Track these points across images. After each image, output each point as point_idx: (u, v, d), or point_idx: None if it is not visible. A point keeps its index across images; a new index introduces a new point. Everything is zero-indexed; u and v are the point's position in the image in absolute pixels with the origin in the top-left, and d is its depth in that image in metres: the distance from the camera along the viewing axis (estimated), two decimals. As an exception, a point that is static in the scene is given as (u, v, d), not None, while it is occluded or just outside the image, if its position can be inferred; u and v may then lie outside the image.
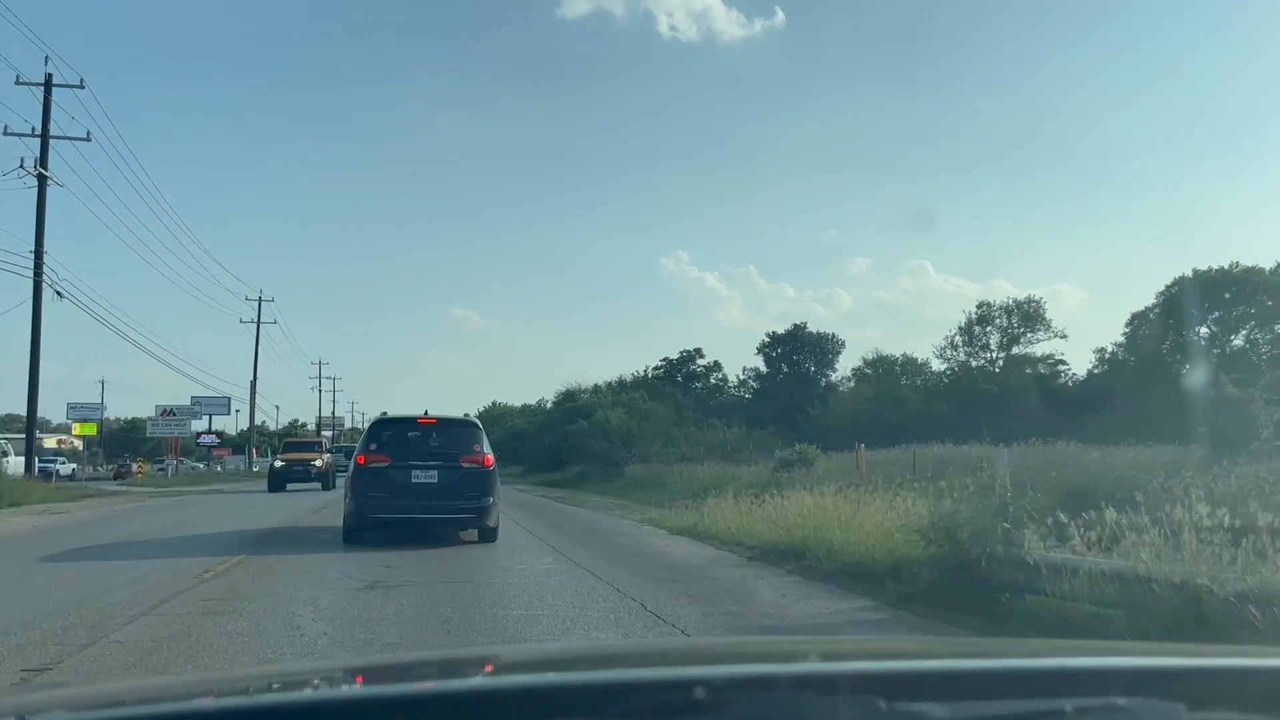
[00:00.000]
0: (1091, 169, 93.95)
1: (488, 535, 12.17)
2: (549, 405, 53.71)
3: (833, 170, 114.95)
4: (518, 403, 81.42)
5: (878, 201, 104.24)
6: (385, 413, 15.04)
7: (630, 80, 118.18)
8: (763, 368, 58.33)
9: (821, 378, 57.68)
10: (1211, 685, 1.42)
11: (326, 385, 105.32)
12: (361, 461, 12.47)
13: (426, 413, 13.76)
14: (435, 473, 12.56)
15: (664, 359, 54.21)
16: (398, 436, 13.02)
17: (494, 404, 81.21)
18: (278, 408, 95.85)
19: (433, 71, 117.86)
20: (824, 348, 59.46)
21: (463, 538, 12.10)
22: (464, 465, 12.59)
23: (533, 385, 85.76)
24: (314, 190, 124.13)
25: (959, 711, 1.29)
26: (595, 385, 47.86)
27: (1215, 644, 4.77)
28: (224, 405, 59.29)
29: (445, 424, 13.36)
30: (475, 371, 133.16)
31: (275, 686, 1.70)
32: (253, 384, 53.95)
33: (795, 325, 57.83)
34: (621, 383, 46.87)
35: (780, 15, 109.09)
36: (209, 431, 61.43)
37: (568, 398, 48.54)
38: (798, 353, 58.39)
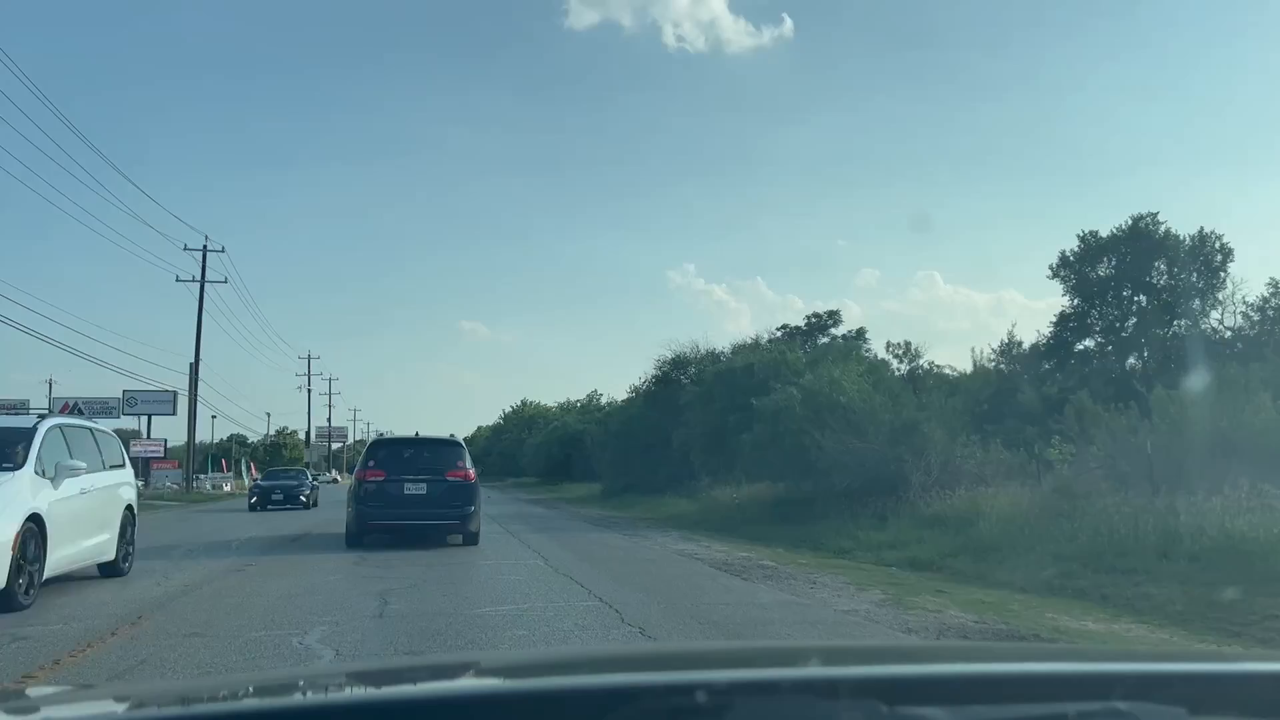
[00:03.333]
0: (1100, 177, 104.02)
1: (470, 539, 16.25)
2: (636, 388, 45.73)
3: (840, 180, 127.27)
4: (551, 402, 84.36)
5: (886, 212, 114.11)
6: (381, 434, 20.19)
7: (636, 91, 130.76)
8: (1064, 302, 34.47)
9: (1182, 317, 32.78)
10: (1213, 690, 1.51)
11: (319, 385, 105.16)
12: (362, 476, 16.57)
13: (417, 434, 18.59)
14: (425, 485, 16.46)
15: (783, 326, 41.71)
16: (392, 454, 17.20)
17: (524, 403, 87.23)
18: (268, 415, 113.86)
19: (439, 83, 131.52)
20: (1201, 257, 32.88)
21: (449, 541, 16.06)
22: (449, 479, 16.52)
23: (539, 393, 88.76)
24: (321, 204, 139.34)
25: (961, 716, 1.38)
26: (712, 350, 39.07)
27: (1217, 648, 4.75)
28: (167, 402, 52.55)
29: (433, 443, 17.83)
30: (481, 382, 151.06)
31: (273, 691, 1.82)
32: (193, 367, 48.17)
33: (1137, 218, 33.13)
34: (756, 345, 37.03)
35: (789, 23, 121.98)
36: (149, 437, 55.98)
37: (676, 367, 39.16)
38: (1142, 269, 32.99)
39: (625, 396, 49.10)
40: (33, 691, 2.50)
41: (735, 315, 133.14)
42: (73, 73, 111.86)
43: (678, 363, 39.33)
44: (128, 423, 57.53)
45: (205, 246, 47.79)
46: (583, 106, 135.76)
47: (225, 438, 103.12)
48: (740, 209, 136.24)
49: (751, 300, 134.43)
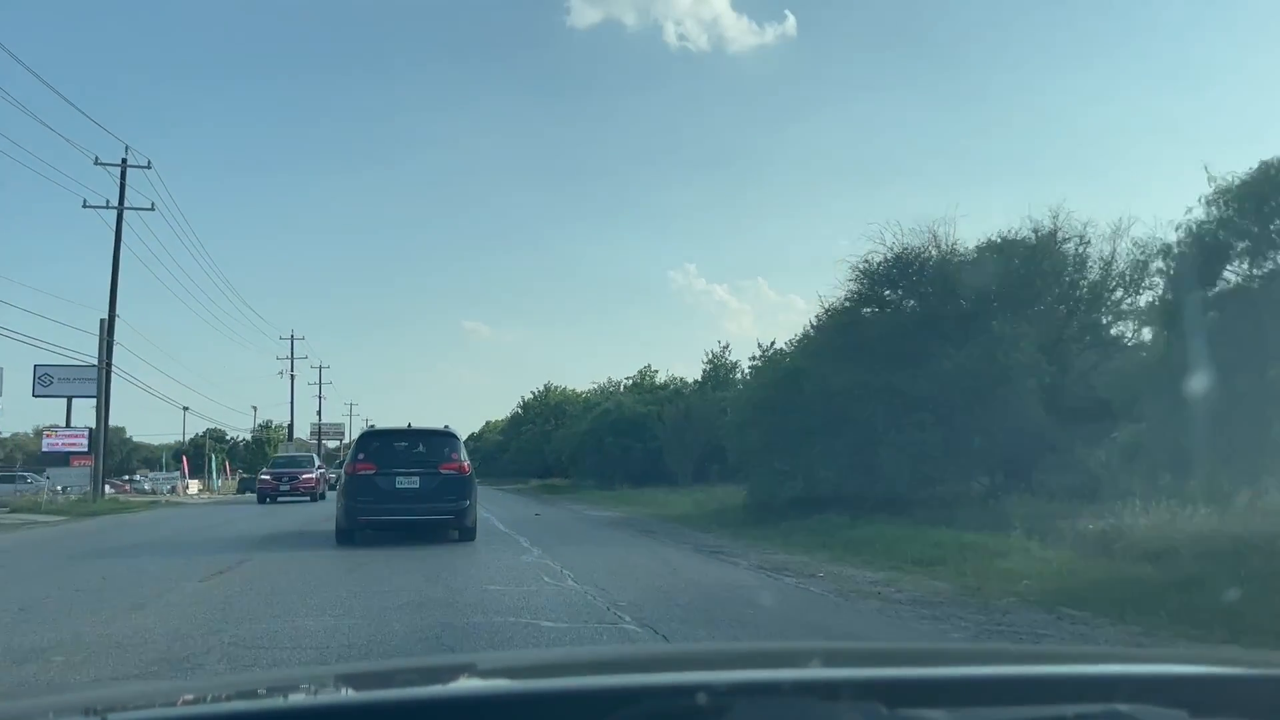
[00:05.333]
0: (1108, 179, 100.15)
1: (466, 535, 18.07)
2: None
3: (843, 180, 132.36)
4: (584, 385, 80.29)
5: (888, 212, 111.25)
6: (373, 425, 25.87)
7: (639, 90, 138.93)
8: None
9: None
10: (1213, 692, 1.63)
11: (309, 375, 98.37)
12: (351, 470, 18.31)
13: (410, 425, 19.43)
14: (417, 479, 17.78)
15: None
16: (383, 447, 18.54)
17: (549, 388, 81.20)
18: (254, 408, 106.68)
19: (438, 81, 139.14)
20: None
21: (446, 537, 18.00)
22: (443, 472, 17.96)
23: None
24: (322, 204, 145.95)
25: (962, 718, 1.51)
26: (953, 245, 22.50)
27: (1217, 650, 5.93)
28: (93, 380, 43.65)
29: (426, 435, 18.97)
30: (485, 382, 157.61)
31: (274, 693, 1.96)
32: (105, 325, 40.87)
33: None
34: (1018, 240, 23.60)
35: (791, 20, 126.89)
36: (68, 427, 47.72)
37: (885, 282, 22.68)
38: None
39: (700, 372, 45.43)
40: (32, 694, 2.87)
41: (737, 316, 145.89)
42: (73, 78, 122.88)
43: (898, 270, 22.85)
44: (41, 408, 55.49)
45: (125, 160, 40.61)
46: (584, 106, 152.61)
47: (200, 433, 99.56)
48: (742, 209, 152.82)
49: (754, 301, 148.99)
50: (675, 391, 51.46)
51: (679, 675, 1.96)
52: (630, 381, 64.43)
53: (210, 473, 76.01)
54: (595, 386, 69.59)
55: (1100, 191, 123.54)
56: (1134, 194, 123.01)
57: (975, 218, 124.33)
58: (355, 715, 1.59)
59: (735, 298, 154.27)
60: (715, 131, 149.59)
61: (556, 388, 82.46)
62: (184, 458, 75.76)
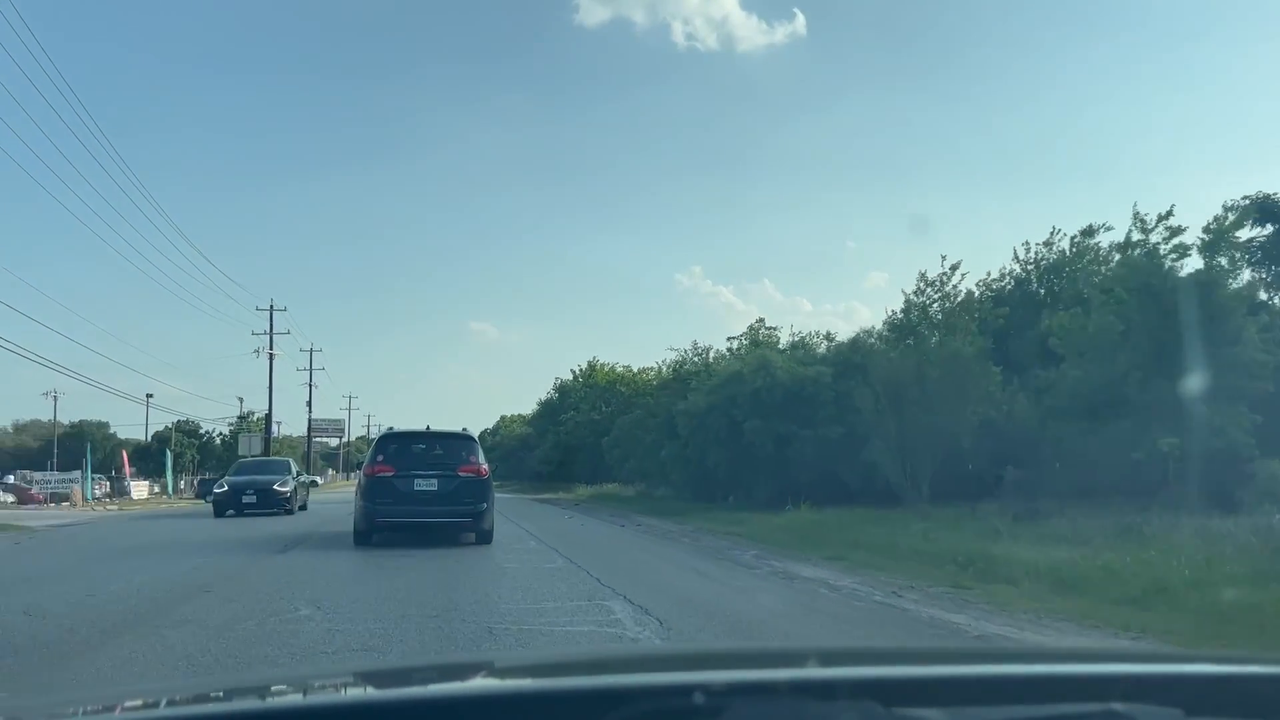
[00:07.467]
0: (1117, 183, 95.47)
1: (484, 538, 19.66)
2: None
3: (849, 182, 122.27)
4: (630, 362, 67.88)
5: (895, 214, 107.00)
6: (392, 428, 24.01)
7: (647, 90, 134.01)
8: None
9: None
10: (1209, 691, 1.66)
11: (300, 359, 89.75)
12: (370, 472, 19.77)
13: (428, 427, 21.12)
14: (435, 481, 19.00)
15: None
16: (402, 449, 19.98)
17: (593, 365, 67.93)
18: (241, 400, 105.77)
19: (446, 81, 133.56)
20: None
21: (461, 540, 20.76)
22: (461, 474, 19.26)
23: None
24: (328, 204, 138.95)
25: (958, 717, 1.54)
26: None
27: (1212, 649, 6.12)
28: None
29: (444, 437, 20.57)
30: (490, 383, 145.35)
31: (275, 692, 2.02)
32: None
33: None
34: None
35: (801, 19, 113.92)
36: None
37: None
38: None
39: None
40: (35, 695, 3.14)
41: (744, 318, 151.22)
42: (78, 74, 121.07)
43: None
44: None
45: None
46: (592, 105, 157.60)
47: (168, 425, 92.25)
48: (748, 211, 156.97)
49: (760, 302, 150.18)
50: (852, 344, 34.62)
51: (676, 675, 2.01)
52: (736, 345, 45.06)
53: (167, 473, 64.45)
54: (676, 354, 49.40)
55: (1114, 193, 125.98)
56: (1141, 196, 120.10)
57: (977, 216, 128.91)
58: (349, 714, 1.60)
59: (741, 299, 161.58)
60: (722, 132, 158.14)
61: (603, 365, 68.13)
62: (124, 454, 66.56)
